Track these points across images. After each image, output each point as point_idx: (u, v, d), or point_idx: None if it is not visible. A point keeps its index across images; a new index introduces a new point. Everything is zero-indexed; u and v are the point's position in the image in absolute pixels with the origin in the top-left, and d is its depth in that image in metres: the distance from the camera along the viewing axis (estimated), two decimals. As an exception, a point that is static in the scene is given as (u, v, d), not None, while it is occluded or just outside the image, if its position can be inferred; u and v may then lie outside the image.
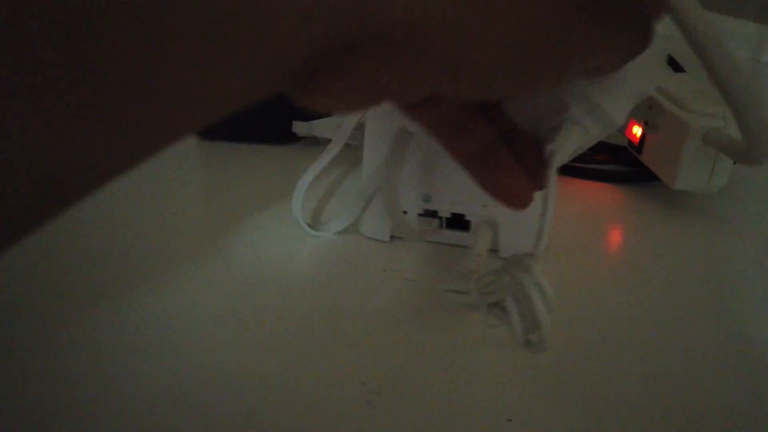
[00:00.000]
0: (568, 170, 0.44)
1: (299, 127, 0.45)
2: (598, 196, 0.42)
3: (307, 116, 0.44)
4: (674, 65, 0.50)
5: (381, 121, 0.34)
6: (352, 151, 0.39)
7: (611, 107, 0.21)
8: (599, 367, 0.28)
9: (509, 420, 0.25)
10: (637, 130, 0.42)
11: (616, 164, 0.44)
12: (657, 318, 0.31)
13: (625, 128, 0.44)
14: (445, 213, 0.35)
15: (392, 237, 0.36)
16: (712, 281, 0.34)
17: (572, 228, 0.38)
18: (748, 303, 0.32)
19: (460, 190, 0.34)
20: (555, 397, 0.26)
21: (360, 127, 0.36)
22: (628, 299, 0.32)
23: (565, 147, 0.22)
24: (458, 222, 0.36)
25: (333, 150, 0.38)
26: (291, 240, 0.36)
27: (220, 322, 0.30)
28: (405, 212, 0.35)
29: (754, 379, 0.27)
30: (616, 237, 0.38)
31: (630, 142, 0.43)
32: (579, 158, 0.43)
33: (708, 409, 0.26)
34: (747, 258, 0.36)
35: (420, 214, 0.35)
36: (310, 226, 0.36)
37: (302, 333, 0.29)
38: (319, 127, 0.43)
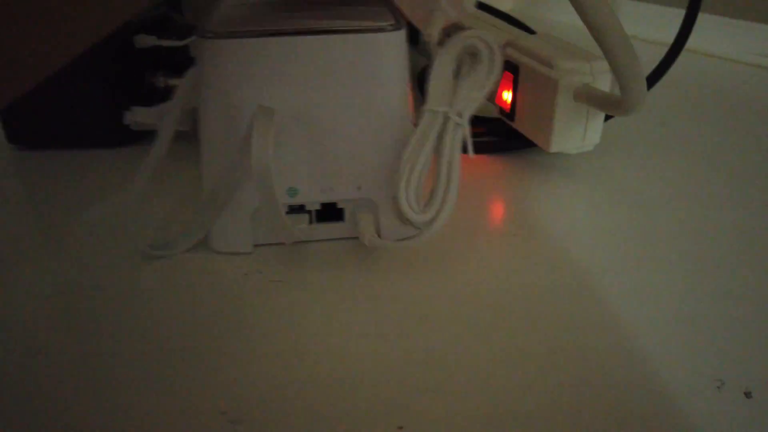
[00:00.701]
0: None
1: (132, 117, 0.39)
2: (475, 170, 0.39)
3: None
4: (524, 28, 0.50)
5: (223, 106, 0.29)
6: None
7: None
8: (485, 347, 0.25)
9: (400, 428, 0.22)
10: (507, 96, 0.40)
11: (490, 135, 0.42)
12: (543, 289, 0.28)
13: (495, 95, 0.41)
14: (314, 205, 0.31)
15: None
16: (594, 245, 0.32)
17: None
18: (629, 267, 0.30)
19: (330, 175, 0.30)
20: (443, 384, 0.23)
21: (192, 112, 0.31)
22: (513, 272, 0.29)
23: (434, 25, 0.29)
24: (330, 212, 0.32)
25: (160, 147, 0.31)
26: (131, 263, 0.30)
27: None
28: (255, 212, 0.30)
29: (631, 342, 0.25)
30: (496, 209, 0.36)
31: (501, 110, 0.41)
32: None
33: (595, 384, 0.24)
34: (626, 217, 0.34)
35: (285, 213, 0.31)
36: (151, 246, 0.31)
37: (148, 366, 0.24)
38: (140, 114, 0.38)
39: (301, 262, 0.30)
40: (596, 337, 0.26)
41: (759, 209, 0.35)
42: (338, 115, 0.29)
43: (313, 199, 0.30)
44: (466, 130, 0.28)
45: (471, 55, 0.28)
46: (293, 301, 0.27)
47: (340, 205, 0.31)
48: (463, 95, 0.27)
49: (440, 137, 0.28)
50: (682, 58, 0.37)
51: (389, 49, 0.29)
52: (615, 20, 0.28)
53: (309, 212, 0.31)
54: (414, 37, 0.50)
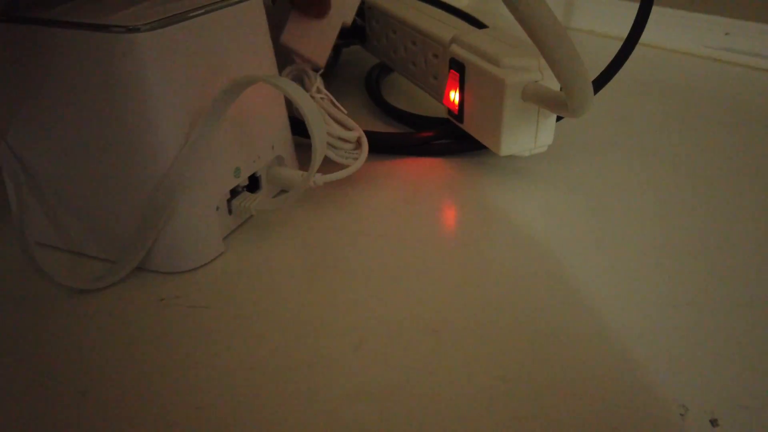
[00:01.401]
0: (392, 149, 0.40)
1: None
2: (425, 174, 0.38)
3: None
4: (474, 22, 0.48)
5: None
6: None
7: None
8: (433, 361, 0.23)
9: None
10: (454, 96, 0.38)
11: (441, 138, 0.40)
12: (497, 297, 0.27)
13: (442, 96, 0.40)
14: (245, 181, 0.31)
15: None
16: (549, 248, 0.30)
17: (398, 211, 0.33)
18: (587, 268, 0.29)
19: (252, 144, 0.30)
20: (390, 401, 0.21)
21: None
22: (462, 283, 0.28)
23: None
24: (253, 184, 0.32)
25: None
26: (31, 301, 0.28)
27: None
28: (217, 208, 0.29)
29: (596, 341, 0.24)
30: (446, 216, 0.34)
31: (450, 111, 0.39)
32: (401, 137, 0.39)
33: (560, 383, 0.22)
34: (582, 220, 0.33)
35: (228, 200, 0.30)
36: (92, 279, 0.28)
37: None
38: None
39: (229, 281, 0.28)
40: (549, 352, 0.24)
41: (720, 207, 0.34)
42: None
43: (249, 173, 0.30)
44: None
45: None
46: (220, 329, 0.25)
47: (258, 174, 0.32)
48: None
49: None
50: (637, 52, 0.36)
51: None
52: (549, 13, 0.26)
53: (243, 188, 0.31)
54: (362, 35, 0.49)
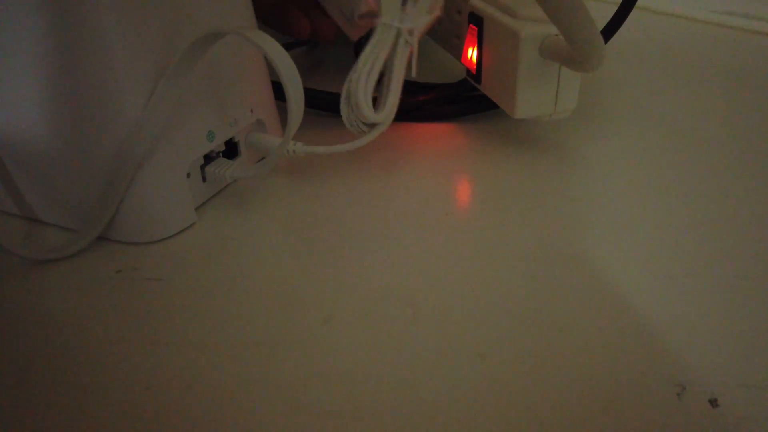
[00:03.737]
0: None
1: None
2: (433, 143, 0.36)
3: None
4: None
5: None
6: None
7: None
8: (441, 343, 0.21)
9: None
10: (472, 53, 0.36)
11: (438, 102, 0.38)
12: (483, 272, 0.25)
13: (460, 54, 0.37)
14: (221, 146, 0.30)
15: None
16: (564, 231, 0.28)
17: (390, 181, 0.32)
18: (601, 246, 0.27)
19: (230, 106, 0.29)
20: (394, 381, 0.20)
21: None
22: (446, 256, 0.26)
23: None
24: (231, 151, 0.31)
25: None
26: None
27: None
28: (188, 174, 0.28)
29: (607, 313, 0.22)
30: (437, 185, 0.32)
31: (468, 71, 0.37)
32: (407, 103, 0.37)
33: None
34: (603, 202, 0.30)
35: (202, 165, 0.29)
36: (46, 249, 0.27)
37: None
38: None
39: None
40: (536, 329, 0.22)
41: (723, 175, 0.31)
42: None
43: (224, 138, 0.29)
44: (414, 48, 0.29)
45: None
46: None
47: (236, 139, 0.30)
48: (414, 15, 0.29)
49: (392, 50, 0.29)
50: (637, 17, 0.33)
51: None
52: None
53: (218, 154, 0.30)
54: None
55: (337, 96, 0.29)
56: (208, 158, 0.29)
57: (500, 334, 0.22)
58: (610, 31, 0.35)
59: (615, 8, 0.34)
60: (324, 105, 0.38)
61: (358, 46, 0.45)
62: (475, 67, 0.36)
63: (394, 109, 0.30)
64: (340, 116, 0.29)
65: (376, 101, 0.30)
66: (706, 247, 0.26)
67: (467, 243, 0.27)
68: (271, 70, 0.27)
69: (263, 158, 0.33)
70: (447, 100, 0.38)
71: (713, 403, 0.19)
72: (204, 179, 0.29)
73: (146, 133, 0.25)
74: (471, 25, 0.35)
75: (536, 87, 0.32)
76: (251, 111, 0.30)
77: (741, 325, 0.22)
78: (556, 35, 0.31)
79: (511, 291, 0.24)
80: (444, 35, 0.40)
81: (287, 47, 0.47)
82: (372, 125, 0.30)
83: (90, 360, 0.21)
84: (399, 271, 0.25)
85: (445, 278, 0.25)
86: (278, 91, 0.32)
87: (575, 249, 0.26)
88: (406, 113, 0.38)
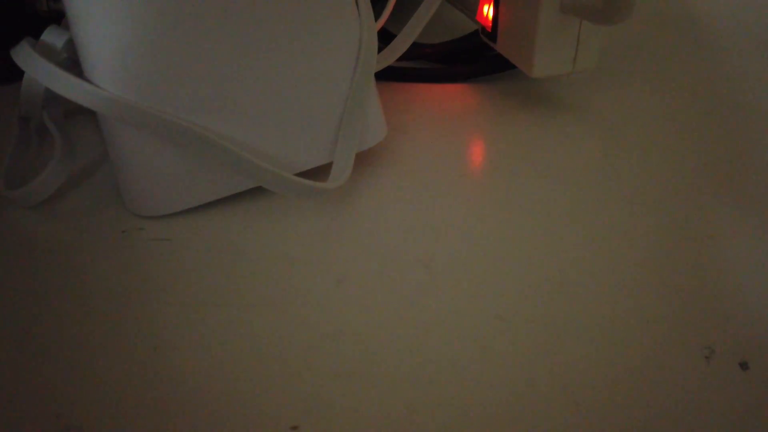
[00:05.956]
0: (403, 75, 0.37)
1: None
2: (451, 101, 0.35)
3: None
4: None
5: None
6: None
7: None
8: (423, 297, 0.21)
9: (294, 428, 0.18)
10: (488, 10, 0.35)
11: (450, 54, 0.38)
12: (526, 235, 0.24)
13: (475, 12, 0.36)
14: None
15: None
16: (581, 192, 0.27)
17: (423, 142, 0.31)
18: (621, 208, 0.26)
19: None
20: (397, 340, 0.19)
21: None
22: (488, 225, 0.25)
23: None
24: None
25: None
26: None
27: None
28: None
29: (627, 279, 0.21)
30: (472, 149, 0.31)
31: (483, 29, 0.36)
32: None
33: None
34: (619, 164, 0.30)
35: None
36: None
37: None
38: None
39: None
40: (557, 292, 0.22)
41: (740, 136, 0.30)
42: None
43: None
44: None
45: None
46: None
47: None
48: None
49: None
50: None
51: None
52: None
53: None
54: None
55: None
56: None
57: (518, 295, 0.21)
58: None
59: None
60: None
61: None
62: (491, 24, 0.35)
63: None
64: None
65: None
66: (729, 204, 0.25)
67: (482, 205, 0.26)
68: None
69: None
70: (454, 52, 0.38)
71: (744, 366, 0.19)
72: None
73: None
74: (487, -19, 0.34)
75: (555, 44, 0.31)
76: None
77: (771, 288, 0.22)
78: (578, -10, 0.30)
79: (528, 252, 0.23)
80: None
81: None
82: None
83: (97, 318, 0.21)
84: (413, 233, 0.24)
85: (460, 240, 0.24)
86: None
87: (592, 209, 0.25)
88: (417, 73, 0.37)
